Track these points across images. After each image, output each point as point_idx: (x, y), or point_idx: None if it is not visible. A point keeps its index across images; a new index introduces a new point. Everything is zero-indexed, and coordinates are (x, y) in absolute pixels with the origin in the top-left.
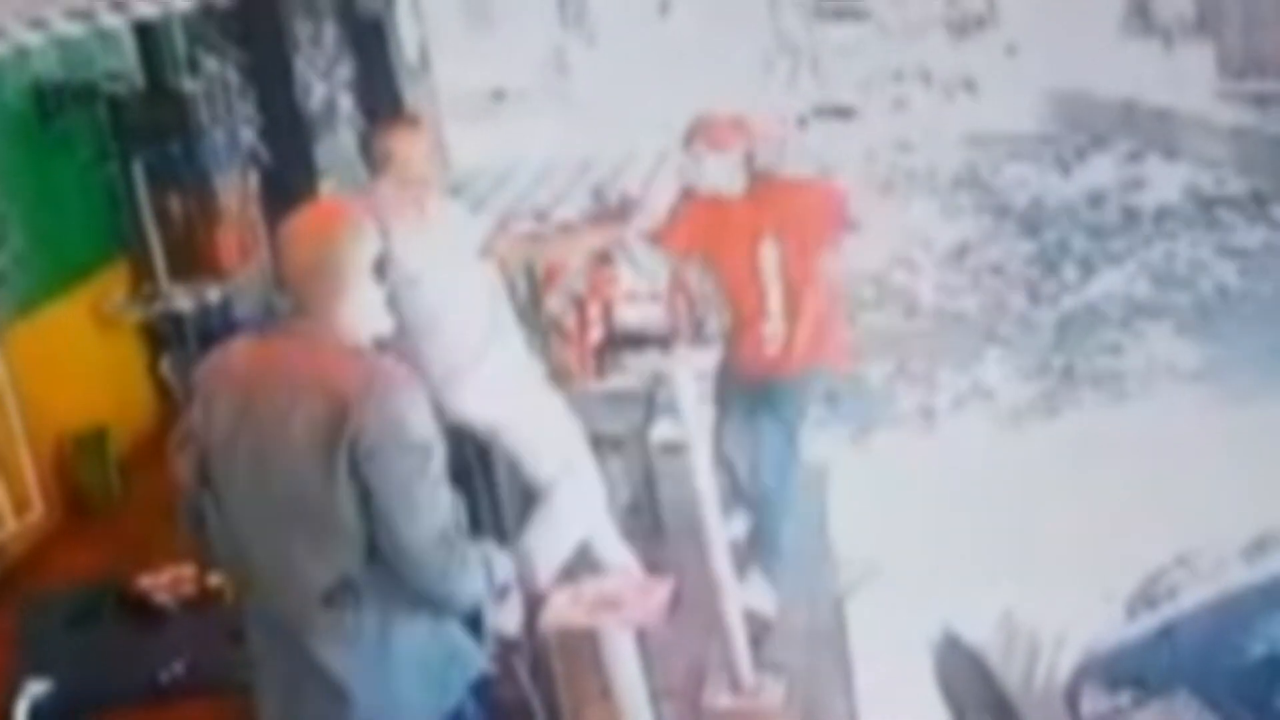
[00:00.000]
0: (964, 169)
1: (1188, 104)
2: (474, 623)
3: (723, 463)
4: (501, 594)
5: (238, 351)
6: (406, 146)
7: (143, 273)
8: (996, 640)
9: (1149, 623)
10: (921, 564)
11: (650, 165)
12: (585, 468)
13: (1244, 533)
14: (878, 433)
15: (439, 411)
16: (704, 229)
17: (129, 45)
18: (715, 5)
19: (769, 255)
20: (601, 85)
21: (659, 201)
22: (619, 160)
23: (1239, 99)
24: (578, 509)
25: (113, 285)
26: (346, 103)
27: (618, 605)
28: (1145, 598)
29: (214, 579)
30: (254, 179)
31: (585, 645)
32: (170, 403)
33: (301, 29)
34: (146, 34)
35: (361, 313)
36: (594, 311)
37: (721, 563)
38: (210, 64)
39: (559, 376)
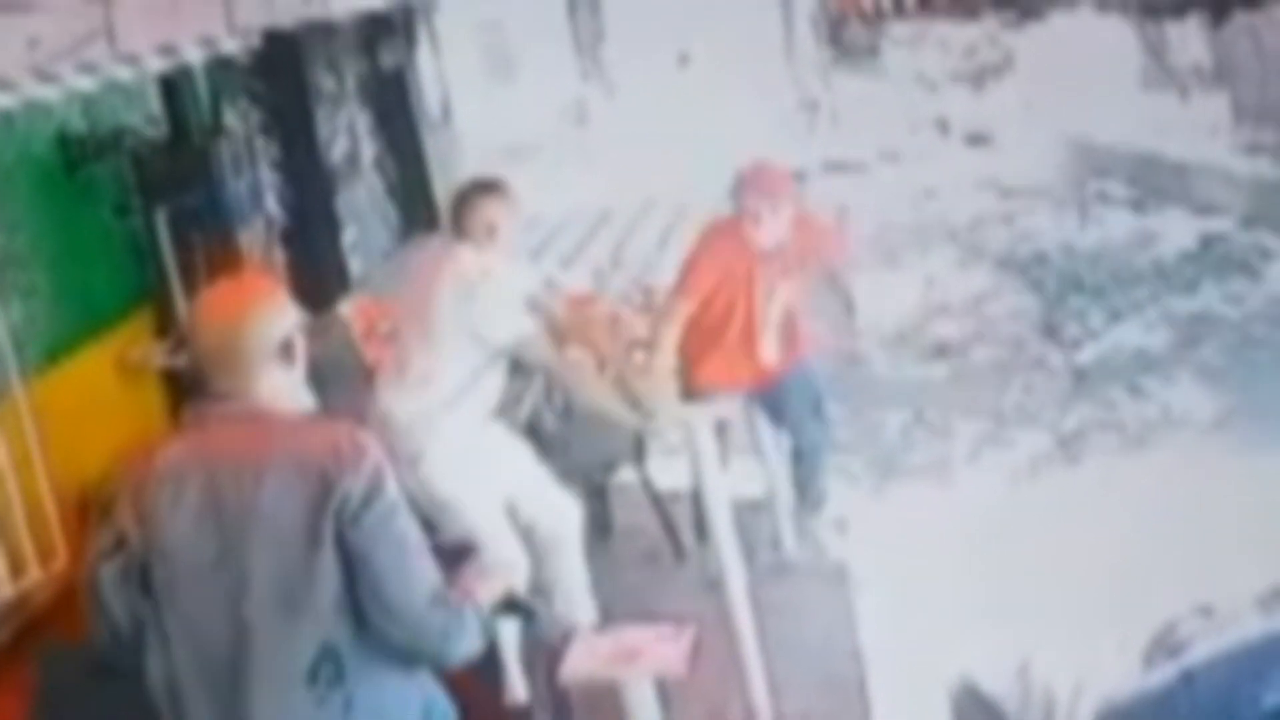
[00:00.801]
0: (981, 219)
1: (1204, 154)
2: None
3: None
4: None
5: (170, 450)
6: (507, 219)
7: (166, 322)
8: (1014, 690)
9: (1166, 673)
10: (939, 613)
11: (669, 217)
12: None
13: (1260, 583)
14: (895, 482)
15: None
16: (724, 267)
17: (153, 96)
18: (734, 57)
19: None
20: (621, 136)
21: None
22: (637, 210)
23: (1255, 149)
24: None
25: (137, 335)
26: (368, 154)
27: (636, 657)
28: (1163, 647)
29: None
30: (276, 229)
31: (606, 696)
32: None
33: (323, 81)
34: (170, 85)
35: (279, 394)
36: None
37: (742, 611)
38: (233, 116)
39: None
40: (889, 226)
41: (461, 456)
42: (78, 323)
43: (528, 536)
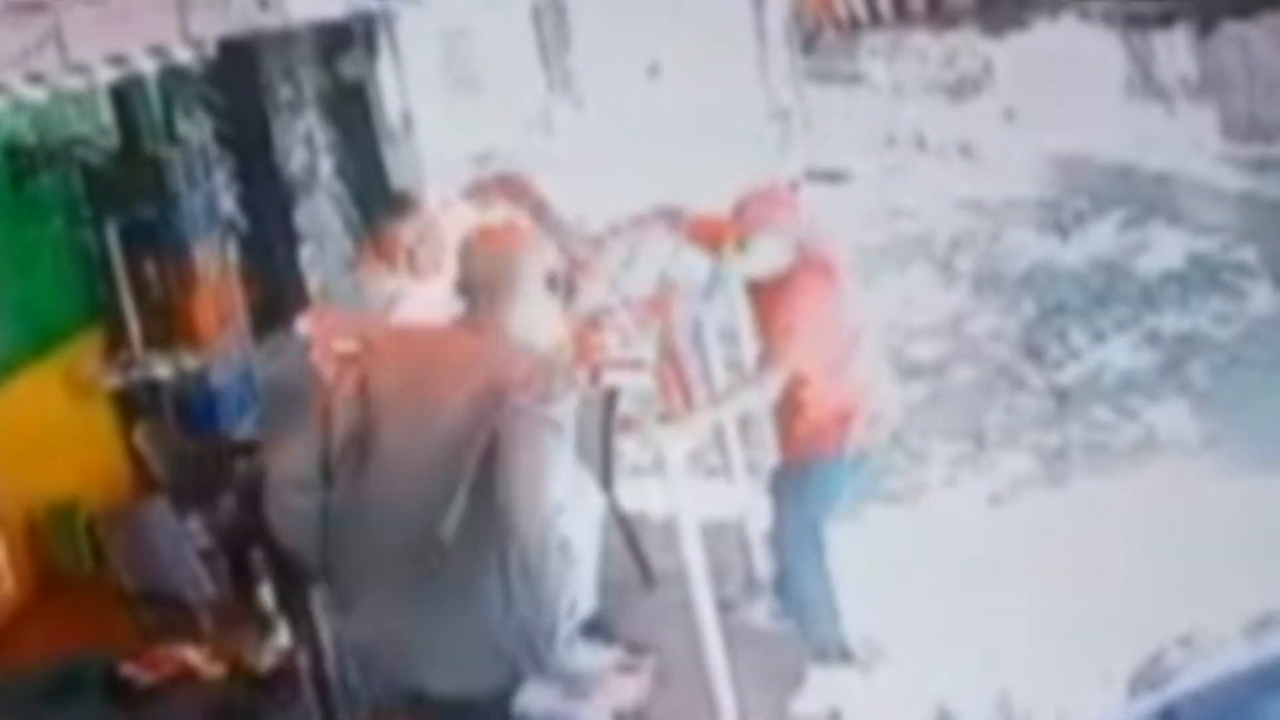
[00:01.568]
0: (961, 234)
1: (1191, 168)
2: None
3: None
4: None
5: (402, 336)
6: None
7: (117, 340)
8: None
9: (1150, 704)
10: (916, 642)
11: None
12: None
13: (1246, 611)
14: (870, 506)
15: None
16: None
17: (104, 105)
18: (705, 67)
19: None
20: (589, 149)
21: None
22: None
23: (1243, 163)
24: None
25: (86, 353)
26: (327, 166)
27: (594, 691)
28: (1146, 679)
29: (193, 656)
30: (232, 245)
31: None
32: (144, 473)
33: (281, 90)
34: (122, 96)
35: (533, 320)
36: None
37: (712, 639)
38: (187, 127)
39: None
40: (864, 242)
41: None
42: (25, 340)
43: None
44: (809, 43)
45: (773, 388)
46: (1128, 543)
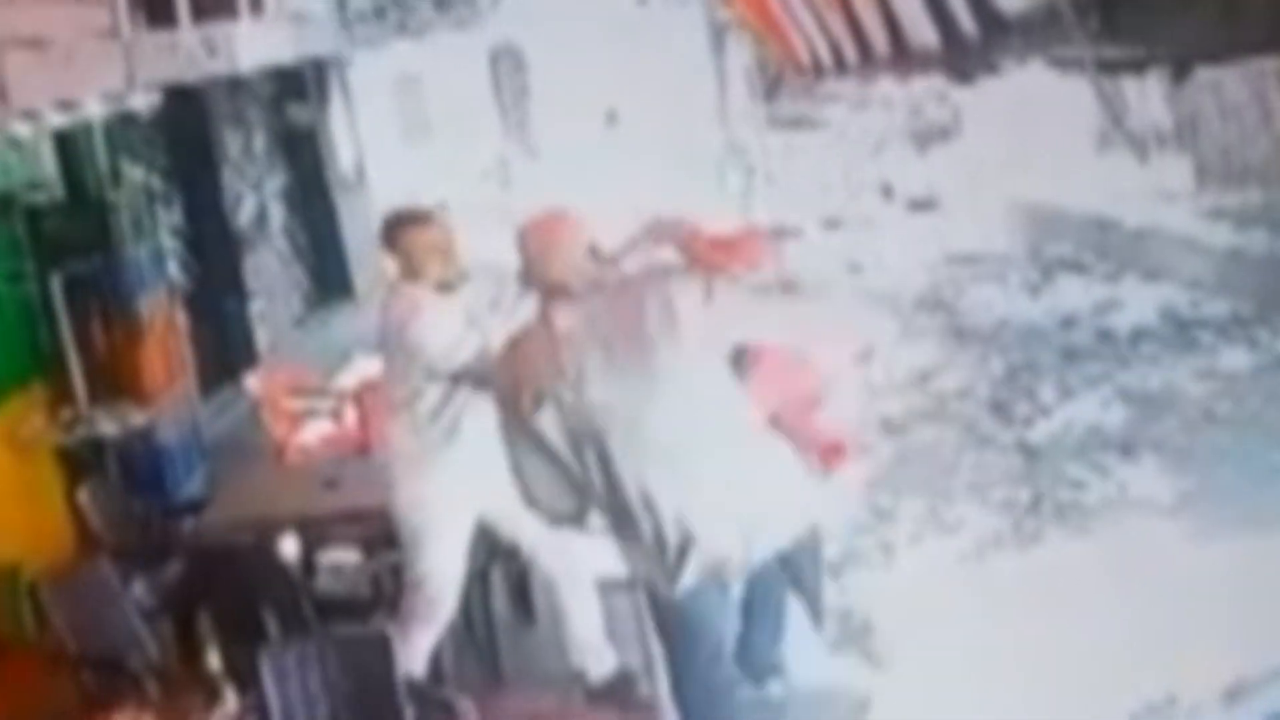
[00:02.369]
0: (926, 289)
1: (1164, 220)
2: None
3: None
4: None
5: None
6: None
7: (61, 395)
8: None
9: None
10: (885, 707)
11: None
12: None
13: (1222, 677)
14: (836, 565)
15: None
16: None
17: (48, 153)
18: (664, 114)
19: None
20: (546, 198)
21: None
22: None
23: (1218, 215)
24: None
25: (29, 408)
26: (278, 216)
27: None
28: None
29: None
30: (179, 297)
31: None
32: (88, 534)
33: (230, 138)
34: (66, 142)
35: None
36: None
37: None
38: (134, 174)
39: None
40: (828, 296)
41: (432, 480)
42: None
43: (524, 572)
44: (772, 89)
45: None
46: (1099, 604)
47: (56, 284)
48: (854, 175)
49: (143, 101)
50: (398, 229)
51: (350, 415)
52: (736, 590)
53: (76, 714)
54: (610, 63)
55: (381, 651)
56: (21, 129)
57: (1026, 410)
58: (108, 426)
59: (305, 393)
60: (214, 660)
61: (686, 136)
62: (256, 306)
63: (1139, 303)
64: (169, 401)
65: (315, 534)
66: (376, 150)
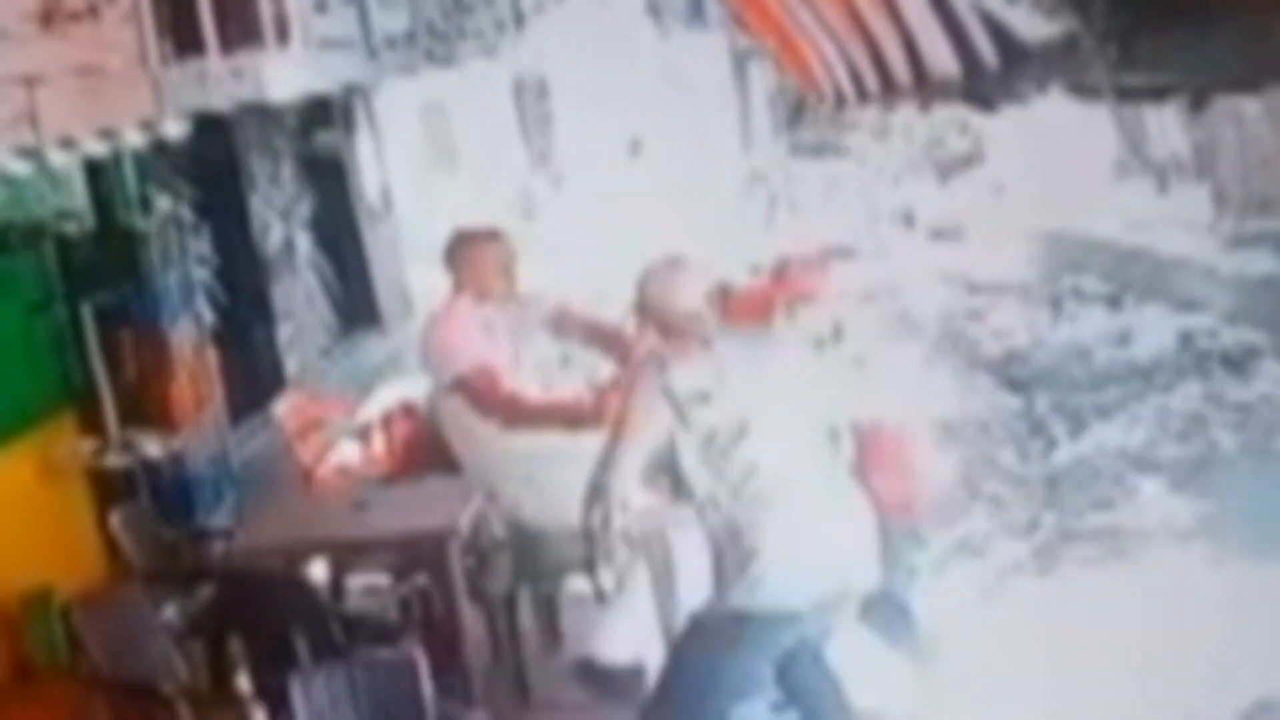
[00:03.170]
0: (948, 316)
1: (1183, 248)
2: None
3: None
4: None
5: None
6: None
7: (92, 422)
8: None
9: None
10: None
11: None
12: None
13: (1242, 699)
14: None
15: None
16: None
17: (78, 183)
18: (687, 143)
19: None
20: (570, 227)
21: None
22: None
23: (1237, 242)
24: None
25: (61, 435)
26: (305, 244)
27: None
28: None
29: None
30: (208, 324)
31: None
32: (119, 559)
33: (259, 166)
34: (97, 171)
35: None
36: None
37: None
38: (163, 202)
39: None
40: (850, 324)
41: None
42: None
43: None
44: (794, 118)
45: None
46: (1119, 630)
47: (87, 312)
48: (876, 203)
49: (175, 128)
50: (466, 246)
51: (378, 441)
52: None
53: None
54: (633, 92)
55: (410, 674)
56: (57, 157)
57: (1046, 439)
58: (138, 453)
59: (333, 419)
60: (244, 683)
61: (709, 164)
62: (285, 333)
63: (1158, 329)
64: (198, 428)
65: (344, 558)
66: (402, 178)
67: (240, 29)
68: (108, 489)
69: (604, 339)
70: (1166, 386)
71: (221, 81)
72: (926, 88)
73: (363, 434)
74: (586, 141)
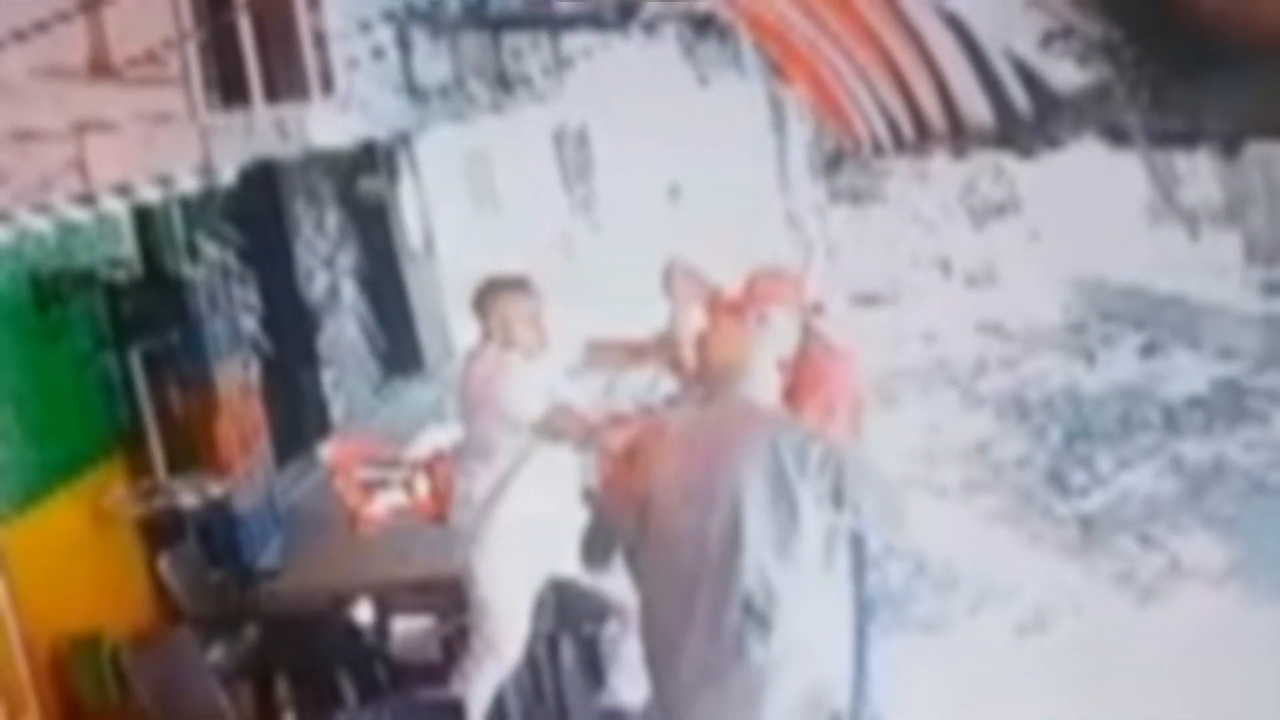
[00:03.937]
0: (984, 361)
1: (1215, 293)
2: None
3: None
4: None
5: (671, 424)
6: (523, 313)
7: (141, 466)
8: None
9: None
10: None
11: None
12: None
13: None
14: (894, 635)
15: None
16: None
17: (127, 231)
18: (726, 188)
19: None
20: (609, 269)
21: None
22: None
23: (1269, 289)
24: None
25: (110, 480)
26: (349, 289)
27: None
28: None
29: None
30: (254, 369)
31: None
32: (168, 602)
33: (304, 214)
34: (145, 219)
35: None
36: None
37: None
38: (210, 250)
39: None
40: (887, 369)
41: (506, 535)
42: (49, 468)
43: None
44: (831, 164)
45: None
46: (1153, 672)
47: (135, 358)
48: (912, 250)
49: (227, 174)
50: (494, 295)
51: (422, 485)
52: None
53: None
54: (672, 139)
55: (454, 715)
56: (110, 204)
57: (1082, 480)
58: (186, 497)
59: (378, 463)
60: None
61: (747, 210)
62: (330, 378)
63: (1190, 375)
64: (245, 472)
65: (389, 600)
66: (444, 223)
67: (286, 80)
68: (156, 533)
69: (646, 350)
70: (1199, 431)
71: (267, 137)
72: (962, 135)
73: (407, 478)
74: (626, 187)
